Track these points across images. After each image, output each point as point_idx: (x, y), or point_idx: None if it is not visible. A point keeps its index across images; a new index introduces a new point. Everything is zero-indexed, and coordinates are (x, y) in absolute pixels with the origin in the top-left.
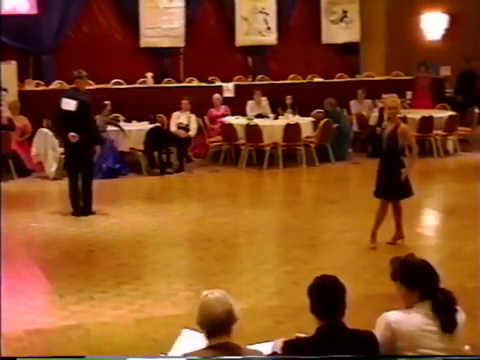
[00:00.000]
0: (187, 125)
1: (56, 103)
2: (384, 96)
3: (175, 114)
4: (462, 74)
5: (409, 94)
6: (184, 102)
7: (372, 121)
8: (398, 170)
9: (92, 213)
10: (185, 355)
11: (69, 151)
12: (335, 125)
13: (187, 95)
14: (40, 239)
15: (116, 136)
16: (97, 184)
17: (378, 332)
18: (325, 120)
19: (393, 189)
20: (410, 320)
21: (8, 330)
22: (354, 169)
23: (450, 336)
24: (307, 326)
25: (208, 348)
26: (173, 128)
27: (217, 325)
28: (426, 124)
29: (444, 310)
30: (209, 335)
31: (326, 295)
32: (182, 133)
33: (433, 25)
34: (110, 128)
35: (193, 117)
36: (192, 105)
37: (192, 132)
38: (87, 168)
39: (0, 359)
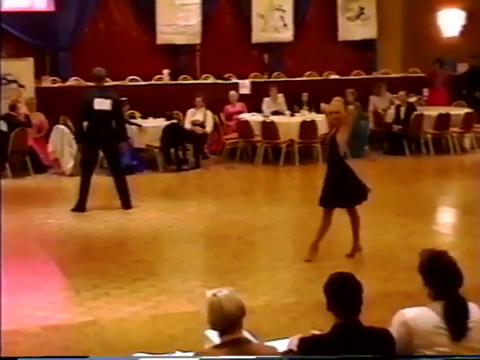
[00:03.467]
0: (203, 122)
1: (75, 101)
2: (401, 93)
3: (190, 111)
4: (471, 71)
5: (426, 91)
6: (198, 99)
7: (388, 118)
8: (345, 176)
9: (131, 207)
10: (198, 353)
11: (90, 149)
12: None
13: (202, 92)
14: (57, 235)
15: (132, 133)
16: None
17: (394, 329)
18: None
19: (344, 196)
20: (426, 318)
21: (25, 326)
22: (370, 166)
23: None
24: (323, 323)
25: (222, 345)
26: (187, 125)
27: (231, 322)
28: (443, 121)
29: (454, 318)
30: (223, 333)
31: (342, 292)
32: (198, 130)
33: (450, 22)
34: (127, 125)
35: (209, 113)
36: (206, 102)
37: (208, 128)
38: (118, 165)
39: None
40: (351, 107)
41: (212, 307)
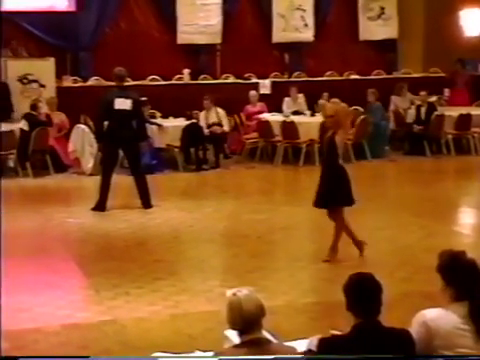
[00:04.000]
0: (219, 121)
1: (96, 100)
2: (422, 93)
3: (202, 114)
4: None
5: (447, 91)
6: (206, 102)
7: (409, 118)
8: (341, 179)
9: (152, 206)
10: (217, 353)
11: (111, 148)
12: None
13: (223, 91)
14: (77, 234)
15: (153, 132)
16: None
17: (414, 330)
18: (362, 117)
19: (331, 197)
20: (447, 318)
21: (45, 324)
22: (390, 167)
23: None
24: (342, 324)
25: (241, 344)
26: (205, 130)
27: (250, 322)
28: (464, 121)
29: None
30: (242, 332)
31: (362, 293)
32: (217, 129)
33: (472, 22)
34: (148, 125)
35: (221, 112)
36: (225, 101)
37: (226, 127)
38: (138, 164)
39: (0, 359)
40: (348, 108)
41: (231, 306)
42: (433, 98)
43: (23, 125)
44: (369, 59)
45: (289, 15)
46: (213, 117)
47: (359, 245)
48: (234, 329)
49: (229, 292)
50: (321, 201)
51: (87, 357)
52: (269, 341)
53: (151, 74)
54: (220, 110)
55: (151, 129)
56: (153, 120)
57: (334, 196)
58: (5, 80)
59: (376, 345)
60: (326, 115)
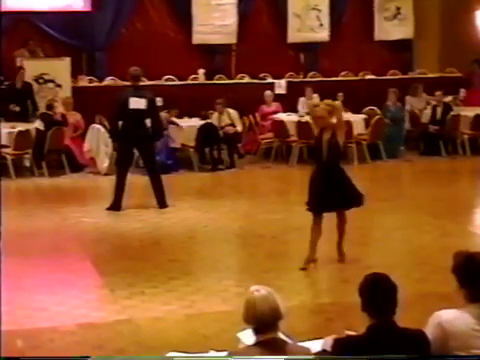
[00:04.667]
0: (231, 123)
1: (111, 100)
2: (437, 93)
3: (214, 117)
4: None
5: (462, 91)
6: (218, 105)
7: (424, 119)
8: (343, 179)
9: (167, 206)
10: (231, 353)
11: (126, 148)
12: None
13: (238, 91)
14: (92, 234)
15: (172, 132)
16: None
17: (429, 331)
18: (377, 117)
19: (342, 198)
20: (462, 319)
21: (60, 324)
22: (406, 167)
23: None
24: (357, 324)
25: (255, 344)
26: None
27: (262, 322)
28: None
29: None
30: (255, 331)
31: (377, 293)
32: (230, 129)
33: None
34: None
35: (233, 112)
36: (240, 101)
37: (239, 127)
38: (154, 164)
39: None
40: (338, 105)
41: (247, 304)
42: (449, 98)
43: (39, 125)
44: (384, 59)
45: (304, 15)
46: (225, 119)
47: (310, 257)
48: (250, 327)
49: (252, 288)
50: (319, 205)
51: (87, 357)
52: (284, 342)
53: (166, 74)
54: (232, 111)
55: (170, 128)
56: (172, 119)
57: (349, 197)
58: (28, 80)
59: (391, 346)
60: (316, 117)
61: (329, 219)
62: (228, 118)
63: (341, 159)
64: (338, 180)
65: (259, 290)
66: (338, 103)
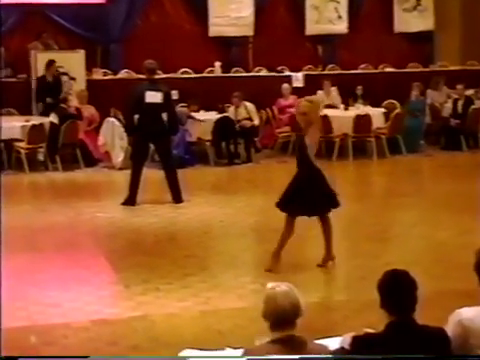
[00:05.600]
0: (248, 116)
1: (126, 94)
2: (458, 87)
3: (231, 110)
4: None
5: None
6: (235, 99)
7: (445, 112)
8: (313, 182)
9: (182, 201)
10: (247, 350)
11: (141, 142)
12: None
13: (256, 84)
14: (106, 229)
15: (191, 126)
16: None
17: (450, 329)
18: (397, 111)
19: (310, 204)
20: None
21: (74, 320)
22: (426, 162)
23: None
24: (376, 322)
25: (272, 342)
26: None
27: (282, 318)
28: None
29: None
30: (273, 328)
31: (397, 290)
32: (246, 123)
33: None
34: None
35: (250, 106)
36: (257, 95)
37: (256, 121)
38: (169, 158)
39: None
40: (317, 101)
41: (267, 300)
42: (470, 91)
43: (53, 118)
44: (404, 52)
45: (323, 7)
46: (242, 113)
47: (275, 257)
48: (267, 322)
49: (269, 285)
50: (293, 206)
51: (86, 357)
52: (302, 339)
53: (182, 67)
54: (249, 105)
55: (192, 123)
56: (191, 114)
57: (318, 202)
58: (58, 74)
59: (410, 343)
60: (298, 112)
61: (349, 213)
62: (245, 112)
63: (308, 158)
64: (304, 182)
65: (279, 285)
66: (316, 98)
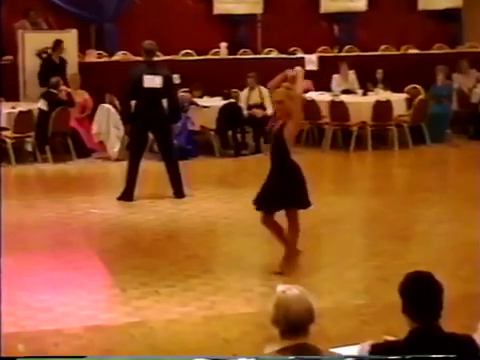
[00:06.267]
0: (262, 103)
1: (122, 77)
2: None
3: (243, 93)
4: None
5: None
6: (250, 79)
7: (474, 98)
8: (289, 175)
9: (184, 196)
10: (257, 359)
11: (139, 131)
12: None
13: (265, 67)
14: (101, 227)
15: (193, 113)
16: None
17: (478, 336)
18: (420, 97)
19: (285, 196)
20: None
21: (66, 326)
22: (453, 152)
23: None
24: (397, 328)
25: (283, 350)
26: (245, 111)
27: (294, 325)
28: None
29: None
30: (284, 335)
31: (420, 294)
32: (258, 113)
33: None
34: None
35: (265, 92)
36: (264, 78)
37: (269, 110)
38: (170, 149)
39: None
40: (297, 94)
41: (278, 305)
42: None
43: (42, 105)
44: (429, 31)
45: None
46: (255, 97)
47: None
48: (277, 329)
49: (279, 288)
50: (268, 202)
51: (83, 357)
52: (316, 348)
53: (184, 48)
54: (264, 90)
55: (191, 109)
56: (193, 100)
57: (285, 197)
58: (63, 56)
59: (435, 352)
60: (274, 100)
61: (368, 209)
62: (258, 97)
63: (285, 153)
64: (281, 177)
65: (291, 288)
66: (299, 85)
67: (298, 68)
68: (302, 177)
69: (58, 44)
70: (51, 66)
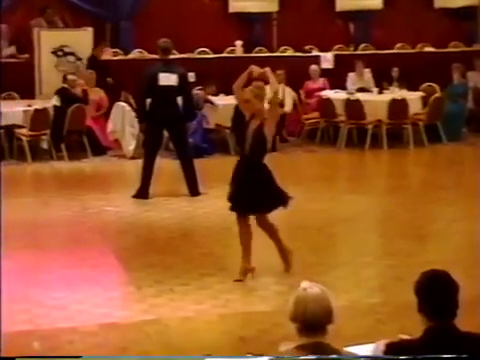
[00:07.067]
0: (281, 100)
1: (137, 75)
2: None
3: (268, 87)
4: None
5: None
6: (279, 73)
7: None
8: (265, 178)
9: (200, 194)
10: (272, 358)
11: (154, 129)
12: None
13: (280, 65)
14: (116, 224)
15: (208, 111)
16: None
17: None
18: (436, 96)
19: (260, 201)
20: None
21: (81, 324)
22: (468, 151)
23: None
24: (412, 327)
25: (299, 348)
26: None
27: (311, 323)
28: None
29: None
30: (301, 332)
31: (436, 292)
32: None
33: None
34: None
35: (288, 91)
36: (288, 77)
37: (287, 108)
38: (185, 147)
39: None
40: (275, 97)
41: (297, 301)
42: None
43: (55, 101)
44: (445, 29)
45: None
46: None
47: (245, 266)
48: (295, 326)
49: (302, 285)
50: (246, 206)
51: (80, 357)
52: (331, 347)
53: (199, 46)
54: (287, 89)
55: (206, 107)
56: (208, 97)
57: (263, 200)
58: (101, 55)
59: (451, 352)
60: (241, 99)
61: (383, 208)
62: (280, 94)
63: (265, 154)
64: (258, 179)
65: (312, 287)
66: (273, 86)
67: (266, 68)
68: (271, 180)
69: (99, 43)
70: (97, 65)
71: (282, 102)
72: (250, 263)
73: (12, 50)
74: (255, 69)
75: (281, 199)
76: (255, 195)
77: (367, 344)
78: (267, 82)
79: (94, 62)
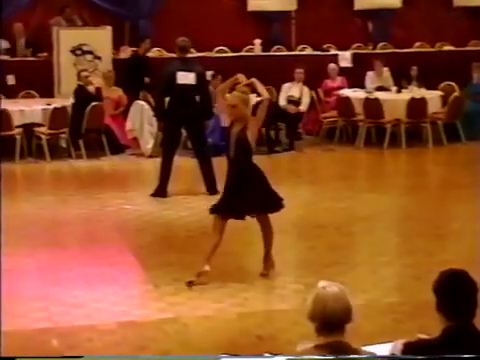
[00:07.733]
0: (299, 98)
1: (156, 74)
2: None
3: (285, 86)
4: None
5: None
6: (298, 71)
7: None
8: (253, 179)
9: (218, 192)
10: (290, 357)
11: (173, 127)
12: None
13: (299, 64)
14: (134, 223)
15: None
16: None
17: None
18: (455, 95)
19: (249, 202)
20: None
21: (100, 322)
22: None
23: None
24: (431, 326)
25: (317, 347)
26: (282, 102)
27: (330, 322)
28: None
29: None
30: (320, 331)
31: (455, 292)
32: (292, 109)
33: None
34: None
35: (306, 89)
36: (306, 75)
37: (303, 107)
38: (203, 145)
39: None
40: (264, 99)
41: (316, 300)
42: None
43: (73, 99)
44: (465, 28)
45: None
46: (295, 92)
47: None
48: (313, 324)
49: (321, 284)
50: (242, 207)
51: (81, 357)
52: (349, 346)
53: (218, 45)
54: (306, 88)
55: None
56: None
57: (258, 199)
58: (143, 54)
59: (470, 352)
60: (227, 104)
61: (401, 207)
62: (297, 93)
63: (250, 156)
64: (248, 181)
65: (331, 286)
66: (260, 90)
67: (253, 79)
68: (265, 180)
69: (143, 40)
70: (140, 63)
71: (299, 100)
72: (209, 265)
73: (6, 44)
74: (242, 79)
75: (275, 200)
76: (250, 195)
77: (385, 343)
78: (254, 90)
79: (136, 60)
